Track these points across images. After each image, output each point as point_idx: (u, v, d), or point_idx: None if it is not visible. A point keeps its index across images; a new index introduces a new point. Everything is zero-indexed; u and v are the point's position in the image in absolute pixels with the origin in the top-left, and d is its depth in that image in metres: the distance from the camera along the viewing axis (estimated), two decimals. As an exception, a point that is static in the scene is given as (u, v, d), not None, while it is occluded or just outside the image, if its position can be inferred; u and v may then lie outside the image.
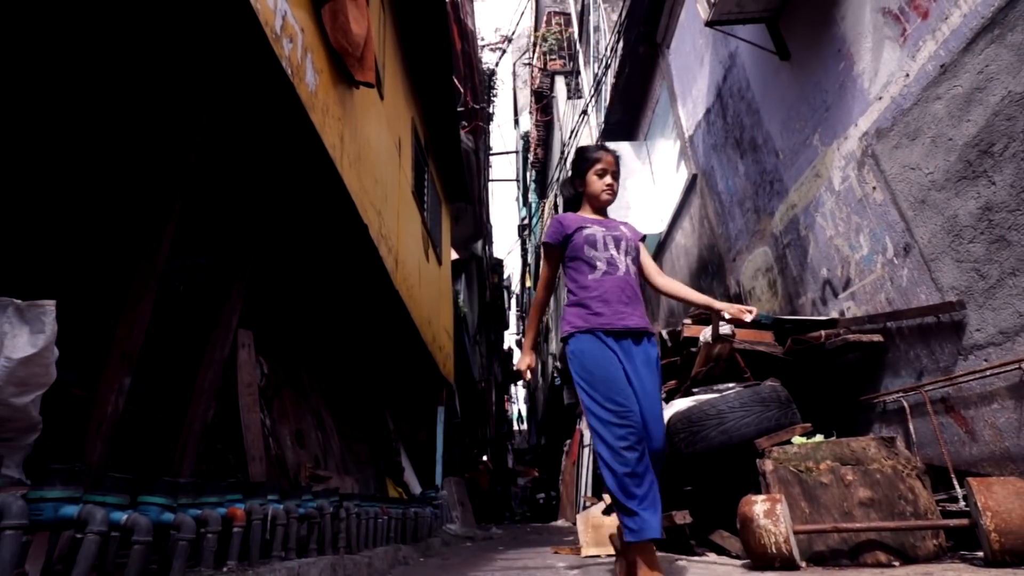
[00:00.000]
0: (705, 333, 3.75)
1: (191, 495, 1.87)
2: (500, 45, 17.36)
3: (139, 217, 2.74)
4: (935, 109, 2.79)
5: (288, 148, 3.20)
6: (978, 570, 2.11)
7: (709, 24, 4.28)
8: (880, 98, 3.17)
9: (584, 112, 9.84)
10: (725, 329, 3.60)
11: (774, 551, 2.38)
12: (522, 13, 8.55)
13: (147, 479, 1.74)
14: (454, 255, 11.73)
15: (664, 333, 4.62)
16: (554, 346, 14.27)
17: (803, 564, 2.41)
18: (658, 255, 7.71)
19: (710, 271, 5.86)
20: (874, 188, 3.26)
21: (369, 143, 4.43)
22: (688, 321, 4.15)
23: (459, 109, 9.57)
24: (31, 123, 2.92)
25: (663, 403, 2.13)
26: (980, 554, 2.23)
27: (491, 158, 18.21)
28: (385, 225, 4.83)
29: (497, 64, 12.94)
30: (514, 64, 18.13)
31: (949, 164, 2.72)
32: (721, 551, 3.20)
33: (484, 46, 16.99)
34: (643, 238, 2.61)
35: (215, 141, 2.86)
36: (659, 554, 3.54)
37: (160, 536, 1.75)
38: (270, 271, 4.30)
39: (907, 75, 2.97)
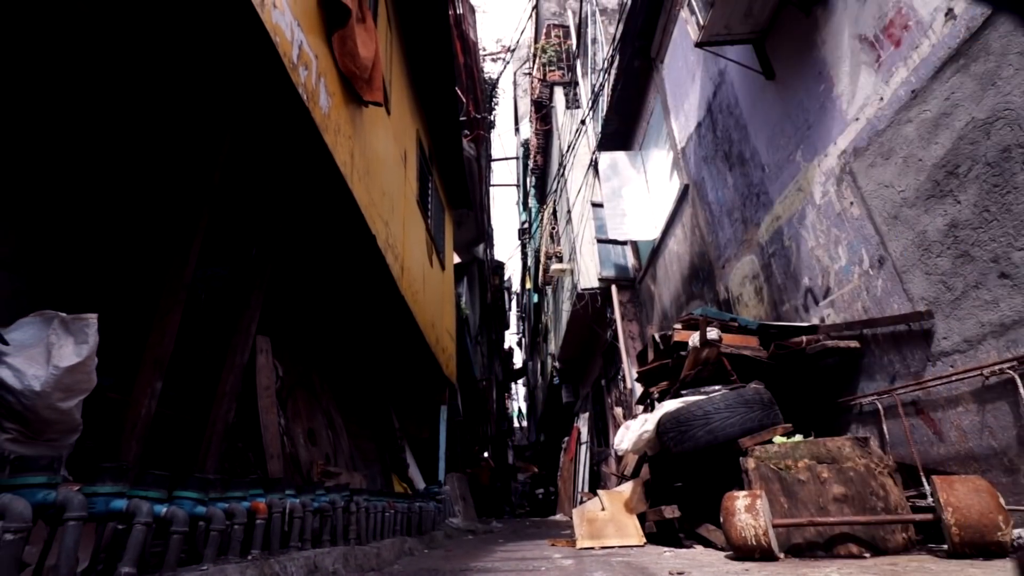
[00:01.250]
0: (694, 338, 3.87)
1: (219, 490, 2.00)
2: (501, 55, 17.50)
3: (167, 233, 2.86)
4: (907, 131, 2.92)
5: (303, 166, 3.33)
6: (940, 561, 2.24)
7: (699, 45, 4.41)
8: (857, 119, 3.30)
9: (582, 122, 9.97)
10: (712, 334, 3.73)
11: (754, 543, 2.51)
12: (522, 31, 8.71)
13: (180, 475, 1.87)
14: (456, 259, 11.86)
15: (656, 336, 4.75)
16: (552, 346, 14.38)
17: (781, 555, 2.54)
18: (652, 260, 7.84)
19: (701, 277, 5.99)
20: (851, 203, 3.38)
21: (377, 157, 4.56)
22: (678, 326, 4.27)
23: (462, 118, 9.70)
24: (72, 145, 3.05)
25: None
26: (945, 547, 2.35)
27: (492, 164, 18.34)
28: (392, 234, 4.96)
29: (499, 76, 13.07)
30: (515, 73, 18.28)
31: (919, 183, 2.85)
32: (707, 543, 3.32)
33: (486, 56, 17.13)
34: None
35: (237, 161, 2.99)
36: (648, 546, 3.67)
37: (191, 526, 1.87)
38: (284, 279, 4.43)
39: (881, 98, 3.10)
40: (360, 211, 3.84)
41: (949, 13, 2.66)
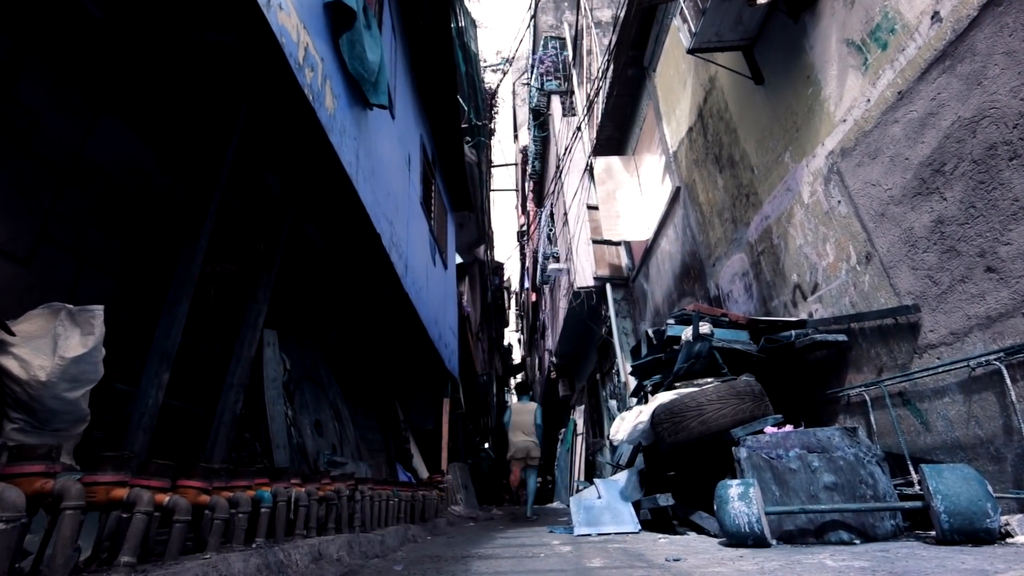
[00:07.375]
0: (687, 332, 3.79)
1: (224, 479, 1.92)
2: (501, 66, 17.41)
3: (177, 228, 2.79)
4: (893, 131, 2.84)
5: (309, 163, 3.25)
6: (929, 547, 2.16)
7: (691, 51, 4.33)
8: (844, 120, 3.23)
9: (578, 128, 9.89)
10: (704, 329, 3.66)
11: (747, 530, 2.43)
12: (520, 40, 8.69)
13: (184, 465, 1.79)
14: (458, 259, 11.77)
15: (650, 332, 4.68)
16: (550, 342, 14.30)
17: (773, 542, 2.46)
18: (645, 259, 7.76)
19: (692, 275, 5.92)
20: (839, 202, 3.31)
21: (382, 159, 4.48)
22: (671, 321, 4.20)
23: (463, 125, 9.61)
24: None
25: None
26: (933, 533, 2.28)
27: (492, 169, 18.25)
28: (396, 234, 4.88)
29: (499, 85, 13.01)
30: (514, 83, 18.19)
31: (906, 181, 2.77)
32: (701, 530, 3.24)
33: (486, 67, 17.03)
34: None
35: (245, 160, 2.91)
36: (643, 533, 3.59)
37: (195, 515, 1.79)
38: (292, 275, 4.34)
39: (868, 100, 3.02)
40: (365, 210, 3.76)
41: (935, 16, 2.58)
